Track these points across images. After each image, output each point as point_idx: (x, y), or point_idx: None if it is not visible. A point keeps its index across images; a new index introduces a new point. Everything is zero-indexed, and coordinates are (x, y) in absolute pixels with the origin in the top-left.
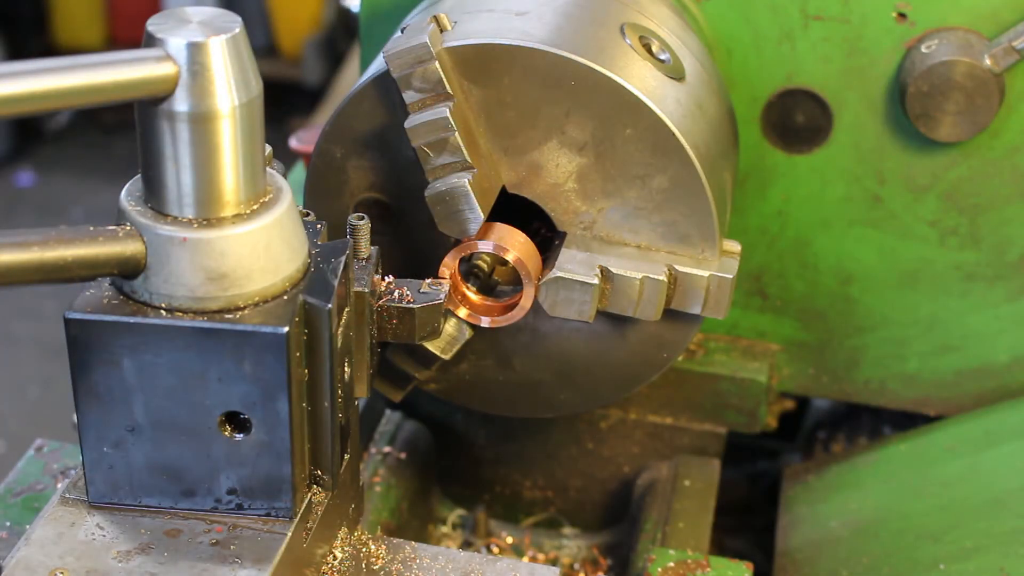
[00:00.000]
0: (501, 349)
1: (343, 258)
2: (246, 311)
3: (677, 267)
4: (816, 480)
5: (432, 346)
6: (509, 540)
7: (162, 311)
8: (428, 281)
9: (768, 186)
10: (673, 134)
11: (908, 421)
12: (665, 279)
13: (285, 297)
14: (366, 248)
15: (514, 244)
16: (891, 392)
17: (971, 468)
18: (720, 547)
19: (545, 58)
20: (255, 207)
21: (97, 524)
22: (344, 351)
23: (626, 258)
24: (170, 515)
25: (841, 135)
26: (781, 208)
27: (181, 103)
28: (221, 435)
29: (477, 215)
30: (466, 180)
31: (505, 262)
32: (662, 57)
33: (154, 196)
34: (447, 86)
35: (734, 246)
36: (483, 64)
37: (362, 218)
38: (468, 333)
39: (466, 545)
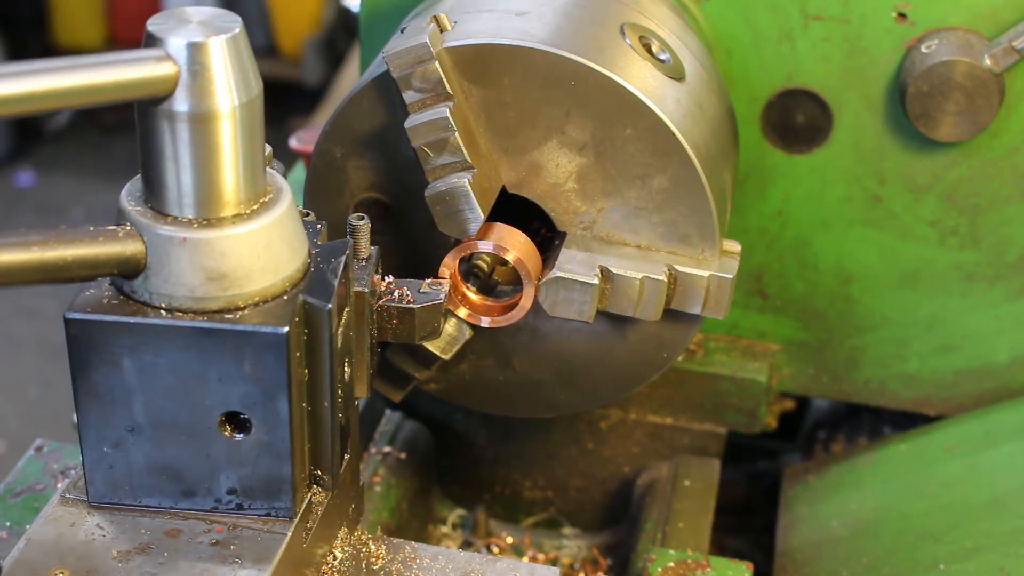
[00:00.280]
0: (501, 349)
1: (343, 258)
2: (246, 311)
3: (677, 267)
4: (816, 480)
5: (432, 346)
6: (509, 540)
7: (162, 311)
8: (428, 281)
9: (768, 186)
10: (673, 134)
11: (908, 421)
12: (665, 279)
13: (285, 297)
14: (366, 248)
15: (514, 244)
16: (891, 392)
17: (971, 468)
18: (720, 547)
19: (545, 58)
20: (255, 207)
21: (97, 524)
22: (344, 351)
23: (626, 258)
24: (170, 515)
25: (841, 135)
26: (781, 208)
27: (181, 103)
28: (221, 435)
29: (477, 215)
30: (466, 180)
31: (505, 262)
32: (662, 57)
33: (154, 196)
34: (447, 86)
35: (734, 246)
36: (483, 64)
37: (362, 218)
38: (468, 333)
39: (466, 545)
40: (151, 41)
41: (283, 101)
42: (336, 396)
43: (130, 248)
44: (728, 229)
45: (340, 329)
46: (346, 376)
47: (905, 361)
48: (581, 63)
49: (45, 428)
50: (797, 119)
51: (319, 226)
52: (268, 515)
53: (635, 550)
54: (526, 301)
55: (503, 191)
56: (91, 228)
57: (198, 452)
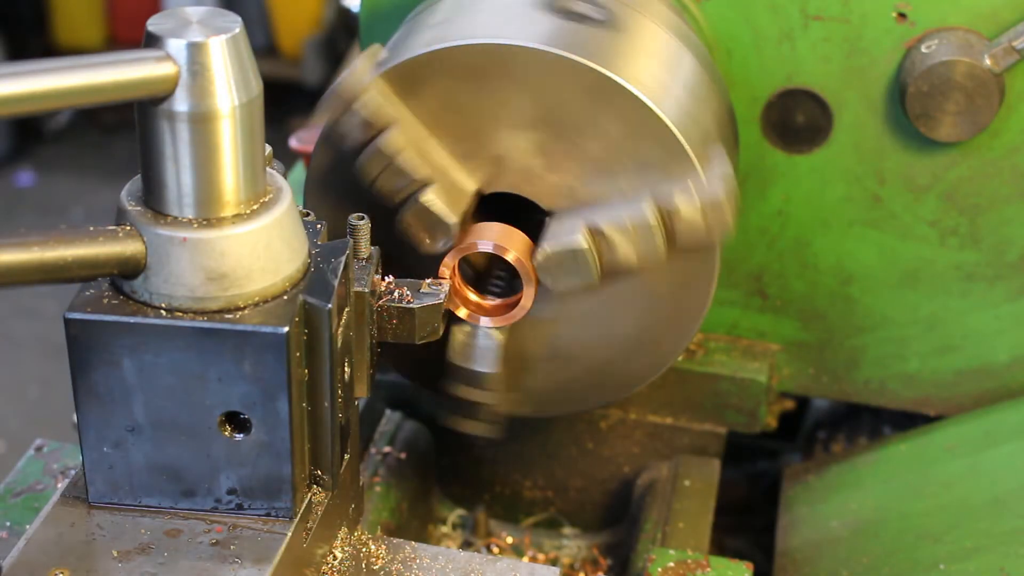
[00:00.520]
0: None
1: (343, 258)
2: (246, 311)
3: (665, 203)
4: (816, 480)
5: (478, 364)
6: (509, 540)
7: (162, 311)
8: (428, 281)
9: (768, 186)
10: (596, 71)
11: (908, 421)
12: (654, 218)
13: (285, 297)
14: (366, 248)
15: (514, 244)
16: (891, 392)
17: (971, 468)
18: (720, 547)
19: (459, 53)
20: (255, 207)
21: (97, 524)
22: (344, 351)
23: (612, 211)
24: (170, 515)
25: (841, 135)
26: (781, 208)
27: (181, 103)
28: (221, 435)
29: (449, 220)
30: (426, 195)
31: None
32: (579, 10)
33: (154, 196)
34: (383, 113)
35: (723, 164)
36: (413, 79)
37: (362, 218)
38: (499, 337)
39: (466, 545)
40: (151, 41)
41: (283, 101)
42: (336, 396)
43: (130, 248)
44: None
45: (340, 329)
46: (346, 376)
47: (905, 361)
48: (491, 43)
49: (45, 428)
50: (797, 119)
51: (319, 226)
52: (268, 515)
53: (635, 550)
54: (526, 301)
55: (491, 195)
56: (91, 228)
57: (198, 452)
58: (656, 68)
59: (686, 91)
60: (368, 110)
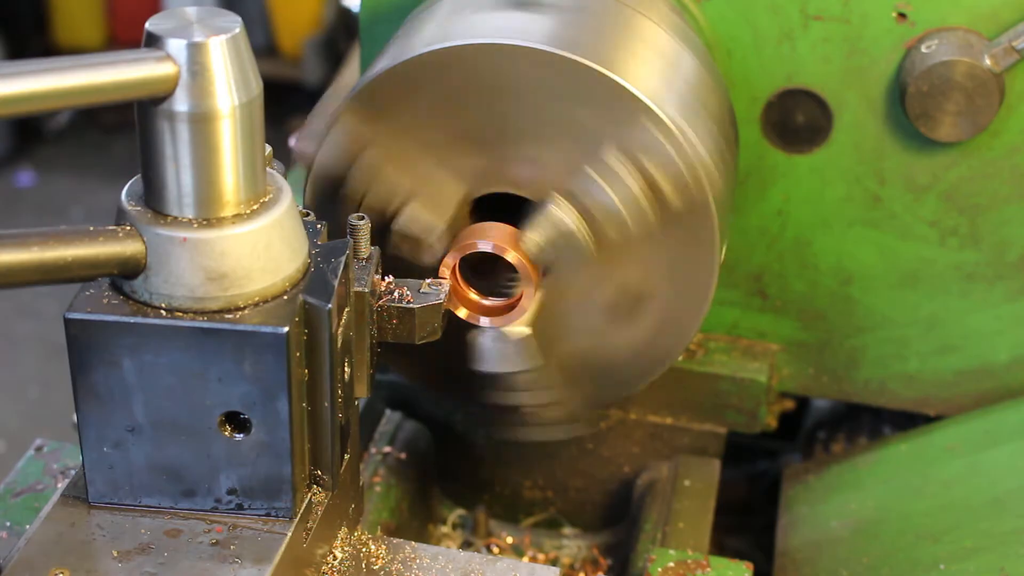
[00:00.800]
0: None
1: (343, 258)
2: (246, 311)
3: (648, 166)
4: (816, 480)
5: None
6: (509, 540)
7: (162, 311)
8: (428, 281)
9: (768, 186)
10: (520, 47)
11: (908, 421)
12: (637, 182)
13: (285, 297)
14: (366, 248)
15: (514, 244)
16: (891, 392)
17: (971, 468)
18: (720, 547)
19: (409, 67)
20: (255, 207)
21: (97, 524)
22: (344, 351)
23: (596, 185)
24: (170, 515)
25: (841, 135)
26: (781, 208)
27: (181, 103)
28: (221, 435)
29: (436, 227)
30: (409, 208)
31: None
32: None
33: (154, 196)
34: (356, 137)
35: (688, 126)
36: (384, 94)
37: (362, 218)
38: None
39: (466, 545)
40: (151, 41)
41: (283, 101)
42: (336, 396)
43: (130, 248)
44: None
45: (340, 329)
46: (346, 376)
47: (905, 361)
48: (430, 50)
49: (45, 428)
50: (797, 119)
51: (319, 226)
52: (268, 515)
53: (635, 550)
54: (526, 301)
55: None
56: (91, 228)
57: (198, 452)
58: (656, 68)
59: (686, 91)
60: (341, 138)
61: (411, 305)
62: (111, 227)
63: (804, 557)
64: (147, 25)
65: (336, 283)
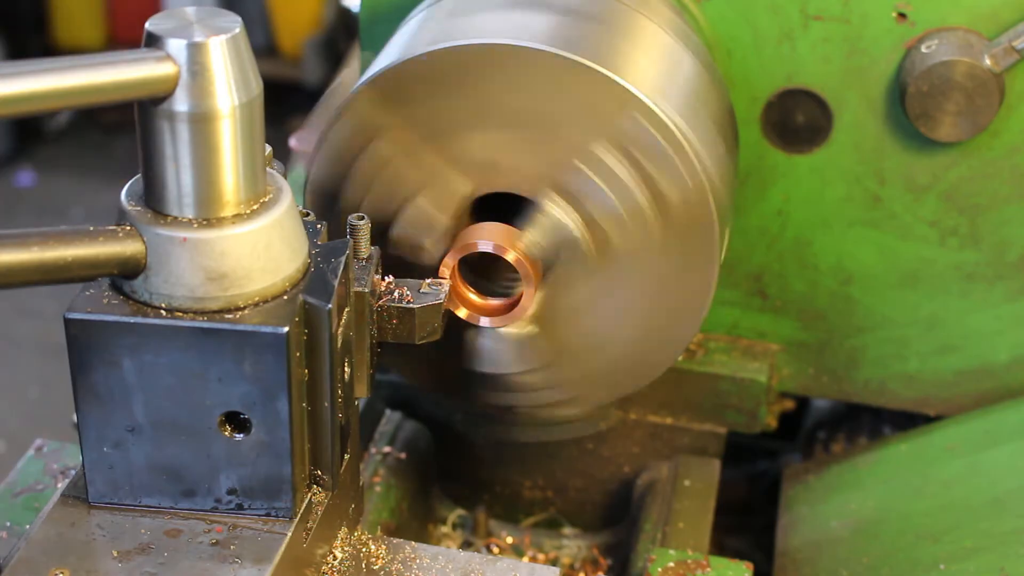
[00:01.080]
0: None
1: (343, 258)
2: (246, 311)
3: (646, 165)
4: (816, 480)
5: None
6: (509, 540)
7: (162, 311)
8: (428, 281)
9: (768, 186)
10: (518, 47)
11: (908, 421)
12: (635, 181)
13: (285, 297)
14: (366, 248)
15: (514, 244)
16: (891, 392)
17: (971, 468)
18: (720, 547)
19: (440, 57)
20: (255, 207)
21: (97, 524)
22: (344, 351)
23: (594, 184)
24: (170, 515)
25: (841, 135)
26: (781, 208)
27: (181, 103)
28: (221, 435)
29: (441, 222)
30: (416, 201)
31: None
32: None
33: (154, 196)
34: (370, 123)
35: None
36: (399, 85)
37: (362, 218)
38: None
39: (466, 545)
40: (151, 41)
41: (283, 101)
42: (336, 396)
43: (130, 248)
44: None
45: (340, 329)
46: (346, 376)
47: (905, 361)
48: (477, 44)
49: (45, 428)
50: (797, 119)
51: (319, 226)
52: (268, 515)
53: (635, 550)
54: (526, 301)
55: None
56: (91, 228)
57: (198, 452)
58: (656, 68)
59: (686, 91)
60: (355, 121)
61: (411, 305)
62: (111, 227)
63: (804, 557)
64: (147, 25)
65: (336, 283)
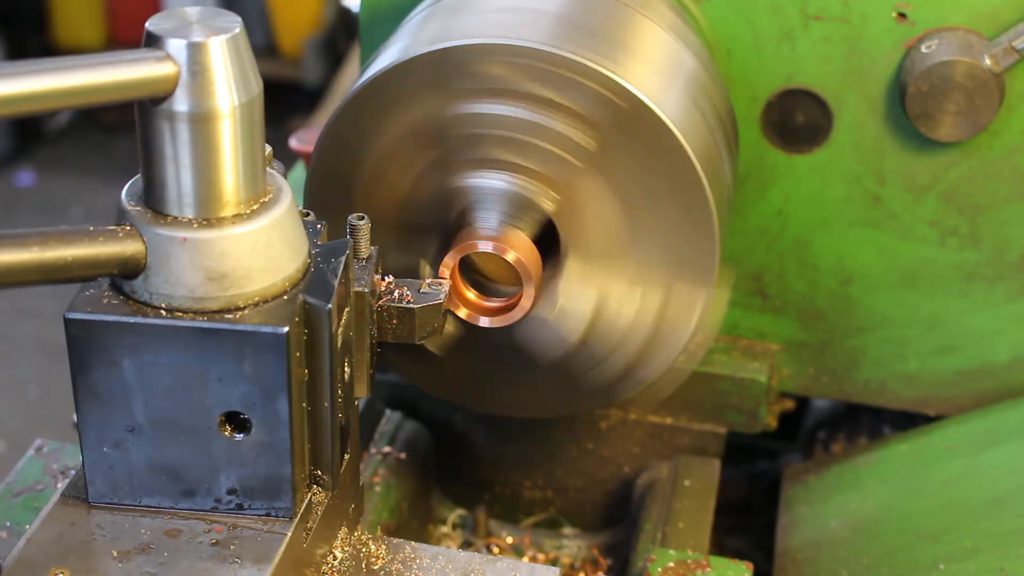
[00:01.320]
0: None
1: (343, 258)
2: (246, 311)
3: (668, 300)
4: (816, 480)
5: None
6: (509, 540)
7: (162, 311)
8: (428, 281)
9: (768, 186)
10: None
11: (908, 421)
12: (654, 306)
13: (285, 297)
14: (366, 248)
15: (514, 244)
16: (891, 392)
17: (971, 468)
18: (720, 547)
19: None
20: (255, 207)
21: (97, 524)
22: (344, 351)
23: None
24: (170, 515)
25: (841, 135)
26: (781, 208)
27: (181, 103)
28: (221, 435)
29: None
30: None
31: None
32: None
33: (154, 196)
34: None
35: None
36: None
37: (362, 218)
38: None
39: (466, 545)
40: (151, 41)
41: (283, 101)
42: (336, 396)
43: (130, 248)
44: (728, 230)
45: (340, 329)
46: (346, 376)
47: (905, 361)
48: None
49: (45, 428)
50: (797, 119)
51: (319, 226)
52: (268, 515)
53: (635, 550)
54: (526, 301)
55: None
56: (91, 228)
57: (198, 452)
58: (656, 68)
59: (686, 91)
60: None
61: (411, 305)
62: (111, 227)
63: (804, 557)
64: (147, 25)
65: (336, 283)
